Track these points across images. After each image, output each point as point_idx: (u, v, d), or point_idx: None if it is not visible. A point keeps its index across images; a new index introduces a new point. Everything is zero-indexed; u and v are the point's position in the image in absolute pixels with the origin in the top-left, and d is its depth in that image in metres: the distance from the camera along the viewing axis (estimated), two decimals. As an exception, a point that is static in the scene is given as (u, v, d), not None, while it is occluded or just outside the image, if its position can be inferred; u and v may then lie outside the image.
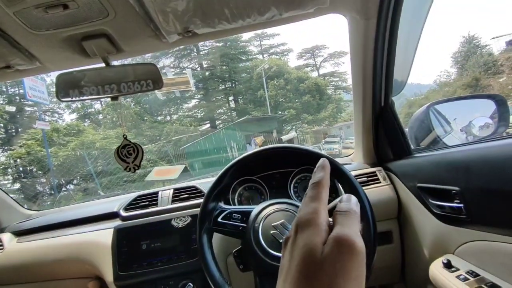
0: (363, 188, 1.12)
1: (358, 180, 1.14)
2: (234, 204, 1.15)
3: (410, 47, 0.98)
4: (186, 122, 19.72)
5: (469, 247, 0.77)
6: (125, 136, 0.92)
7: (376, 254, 1.03)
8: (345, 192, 0.87)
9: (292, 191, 1.15)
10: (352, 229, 0.28)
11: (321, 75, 23.74)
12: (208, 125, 22.30)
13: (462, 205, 0.74)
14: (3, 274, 1.20)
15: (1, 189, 1.37)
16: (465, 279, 0.71)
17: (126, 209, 1.22)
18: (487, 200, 0.67)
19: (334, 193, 1.11)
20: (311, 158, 0.91)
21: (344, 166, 0.88)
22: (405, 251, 1.08)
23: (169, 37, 0.82)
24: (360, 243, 0.27)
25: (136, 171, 0.90)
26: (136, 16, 0.73)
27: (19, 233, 1.29)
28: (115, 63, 0.90)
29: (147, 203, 1.22)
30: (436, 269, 0.81)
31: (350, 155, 1.41)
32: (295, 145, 0.97)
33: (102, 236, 1.14)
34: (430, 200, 0.88)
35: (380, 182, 1.12)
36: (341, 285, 0.25)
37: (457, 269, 0.76)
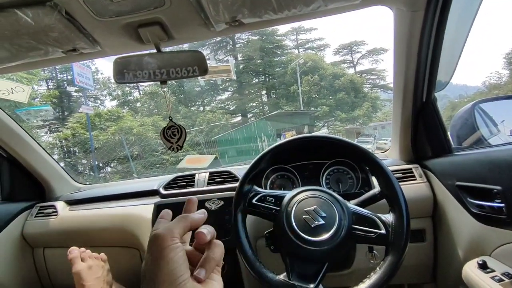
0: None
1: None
2: (267, 189, 1.19)
3: (458, 43, 0.94)
4: (219, 113, 20.08)
5: (508, 248, 0.75)
6: (170, 118, 0.99)
7: (409, 251, 1.03)
8: (380, 186, 0.87)
9: (324, 182, 1.17)
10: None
11: (358, 72, 22.97)
12: (240, 117, 22.53)
13: (503, 205, 0.72)
14: (57, 237, 1.35)
15: (57, 163, 1.52)
16: (500, 280, 0.69)
17: (166, 187, 1.31)
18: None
19: (366, 187, 1.11)
20: (346, 149, 0.92)
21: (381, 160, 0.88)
22: (438, 251, 1.06)
23: (217, 25, 0.87)
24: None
25: (178, 151, 0.97)
26: (189, 6, 0.78)
27: (71, 203, 1.44)
28: (165, 49, 0.97)
29: (185, 183, 1.31)
30: (470, 270, 0.79)
31: (385, 151, 1.39)
32: (332, 135, 0.98)
33: (144, 210, 1.24)
34: (469, 199, 0.86)
35: (415, 179, 1.10)
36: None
37: (493, 271, 0.74)
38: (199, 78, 1.12)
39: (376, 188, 0.88)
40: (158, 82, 0.95)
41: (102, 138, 12.50)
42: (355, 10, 0.83)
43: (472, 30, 0.93)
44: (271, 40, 22.12)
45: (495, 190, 0.74)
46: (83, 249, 1.04)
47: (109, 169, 12.96)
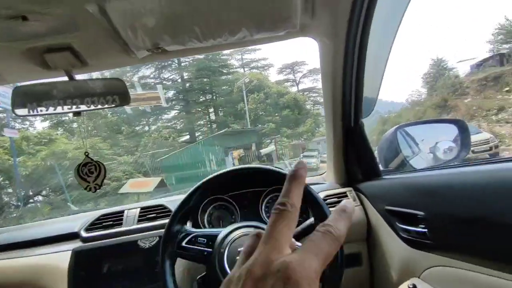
0: (333, 209, 1.12)
1: (328, 200, 1.14)
2: (204, 225, 1.11)
3: (379, 68, 1.00)
4: (165, 133, 19.36)
5: (434, 271, 0.78)
6: (86, 154, 0.87)
7: (345, 277, 1.02)
8: (313, 214, 0.86)
9: (263, 211, 1.13)
10: (305, 255, 0.26)
11: (300, 91, 24.27)
12: (188, 136, 22.02)
13: (426, 229, 0.75)
14: None
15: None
16: (429, 304, 0.71)
17: (88, 229, 1.15)
18: (450, 226, 0.69)
19: (305, 214, 1.10)
20: (279, 178, 0.90)
21: (313, 186, 0.88)
22: (374, 274, 1.08)
23: (138, 52, 0.80)
24: (300, 272, 0.25)
25: (97, 190, 0.85)
26: (103, 31, 0.71)
27: None
28: (80, 77, 0.86)
29: (111, 222, 1.16)
30: (402, 294, 0.81)
31: (322, 173, 1.42)
32: (263, 165, 0.96)
33: (59, 259, 1.07)
34: (397, 223, 0.88)
35: None
36: None
37: (422, 294, 0.76)
38: (124, 106, 1.03)
39: (312, 218, 0.87)
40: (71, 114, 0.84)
41: (31, 164, 11.10)
42: (281, 41, 0.84)
43: (392, 56, 1.00)
44: (217, 59, 22.34)
45: (419, 215, 0.77)
46: None
47: (40, 198, 11.50)
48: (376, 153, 1.14)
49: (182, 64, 22.21)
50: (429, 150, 1.32)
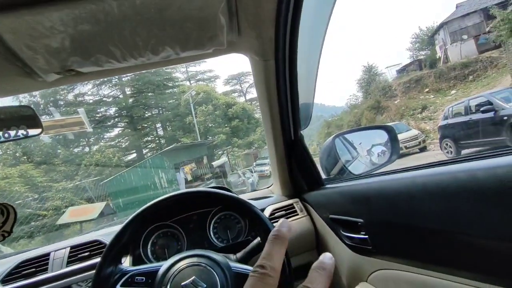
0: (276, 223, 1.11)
1: (276, 214, 1.13)
2: (148, 258, 1.01)
3: (311, 82, 1.03)
4: (109, 153, 18.05)
5: (379, 275, 0.80)
6: (-11, 197, 0.74)
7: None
8: (259, 235, 0.83)
9: (211, 233, 1.07)
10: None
11: (248, 100, 24.65)
12: (134, 154, 20.82)
13: (367, 236, 0.77)
14: None
15: None
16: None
17: (4, 281, 0.97)
18: (386, 232, 0.71)
19: (253, 231, 1.07)
20: (220, 199, 0.87)
21: (260, 200, 0.85)
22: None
23: (46, 76, 0.70)
24: None
25: (5, 238, 0.72)
26: None
27: None
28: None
29: (34, 269, 1.00)
30: (352, 300, 0.82)
31: (269, 186, 1.41)
32: (206, 189, 0.91)
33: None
34: (342, 231, 0.90)
35: (297, 214, 1.12)
36: None
37: (369, 298, 0.77)
38: (40, 136, 0.90)
39: (258, 238, 0.84)
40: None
41: None
42: (210, 58, 0.81)
43: (325, 67, 1.04)
44: (160, 73, 21.64)
45: (359, 223, 0.78)
46: None
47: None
48: (318, 163, 1.16)
49: (123, 79, 21.12)
50: (366, 153, 1.39)
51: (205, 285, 0.69)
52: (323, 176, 1.15)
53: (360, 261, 0.86)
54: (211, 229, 1.08)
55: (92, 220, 7.49)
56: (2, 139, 0.73)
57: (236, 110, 19.49)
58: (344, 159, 1.19)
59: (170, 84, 22.77)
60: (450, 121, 6.48)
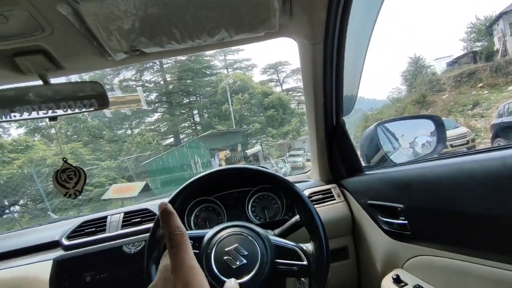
0: (319, 205, 1.14)
1: (313, 197, 1.16)
2: (191, 227, 1.10)
3: (357, 68, 1.03)
4: (149, 136, 19.02)
5: (416, 261, 0.80)
6: (65, 160, 0.85)
7: (334, 270, 1.04)
8: (299, 214, 0.87)
9: (249, 210, 1.13)
10: None
11: (285, 90, 24.44)
12: (172, 139, 21.72)
13: (406, 222, 0.77)
14: None
15: None
16: (412, 294, 0.74)
17: (69, 237, 1.11)
18: (427, 217, 0.71)
19: (291, 212, 1.11)
20: (265, 178, 0.91)
21: (298, 184, 0.88)
22: (360, 266, 1.11)
23: (115, 55, 0.79)
24: None
25: (77, 197, 0.83)
26: (77, 33, 0.69)
27: None
28: (54, 81, 0.83)
29: (94, 229, 1.13)
30: (386, 285, 0.83)
31: (307, 172, 1.44)
32: (252, 166, 0.95)
33: (40, 269, 1.03)
34: (380, 217, 0.91)
35: (334, 199, 1.14)
36: None
37: (405, 284, 0.78)
38: (104, 110, 1.00)
39: (297, 216, 0.88)
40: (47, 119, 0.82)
41: (6, 173, 10.63)
42: (261, 41, 0.84)
43: (370, 56, 1.03)
44: (200, 60, 22.16)
45: (399, 208, 0.79)
46: None
47: (17, 208, 11.05)
48: (358, 150, 1.16)
49: (164, 66, 21.91)
50: (409, 145, 1.36)
51: (247, 253, 0.75)
52: (363, 163, 1.15)
53: (397, 247, 0.87)
54: (249, 207, 1.14)
55: (132, 197, 8.00)
56: (76, 110, 0.83)
57: (272, 99, 19.46)
58: (386, 148, 1.18)
59: (208, 72, 23.24)
60: (505, 119, 5.93)
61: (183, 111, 22.81)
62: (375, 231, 0.95)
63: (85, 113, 0.87)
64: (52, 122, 0.84)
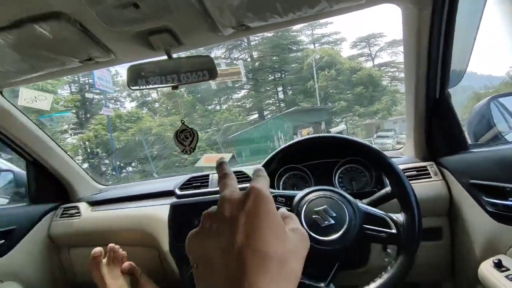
0: (412, 182, 1.09)
1: (406, 174, 1.11)
2: (279, 190, 1.20)
3: (470, 35, 0.91)
4: (235, 112, 20.14)
5: (524, 248, 0.73)
6: (183, 122, 1.02)
7: (425, 250, 1.01)
8: (391, 185, 0.87)
9: (337, 181, 1.17)
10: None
11: (376, 65, 22.33)
12: (256, 115, 22.53)
13: None
14: (80, 237, 1.42)
15: (78, 165, 1.60)
16: (516, 280, 0.68)
17: (181, 188, 1.35)
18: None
19: (379, 185, 1.10)
20: (357, 148, 0.92)
21: (391, 158, 0.87)
22: (455, 249, 1.04)
23: (224, 30, 0.89)
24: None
25: (191, 153, 1.00)
26: (195, 12, 0.81)
27: (93, 203, 1.51)
28: (175, 55, 1.00)
29: (199, 184, 1.34)
30: (485, 269, 0.78)
31: (400, 149, 1.37)
32: (344, 135, 0.98)
33: (160, 211, 1.29)
34: (484, 198, 0.83)
35: (430, 177, 1.08)
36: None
37: (508, 269, 0.72)
38: (210, 81, 1.15)
39: (388, 187, 0.88)
40: (169, 88, 0.99)
41: (123, 139, 12.85)
42: (361, 9, 0.82)
43: (484, 22, 0.90)
44: (286, 36, 21.90)
45: (508, 188, 0.71)
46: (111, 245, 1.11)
47: (130, 168, 13.33)
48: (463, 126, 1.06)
49: (252, 43, 22.41)
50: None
51: (335, 214, 0.80)
52: (468, 141, 1.04)
53: (502, 231, 0.79)
54: (336, 177, 1.17)
55: (219, 168, 8.73)
56: (190, 80, 0.97)
57: (361, 76, 18.10)
58: (500, 127, 1.04)
59: (295, 48, 22.82)
60: None
61: (268, 88, 23.23)
62: (476, 213, 0.88)
63: (197, 83, 1.01)
64: (156, 98, 1.01)
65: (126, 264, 1.12)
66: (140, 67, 0.97)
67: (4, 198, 1.63)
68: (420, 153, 1.17)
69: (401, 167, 1.13)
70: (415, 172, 1.09)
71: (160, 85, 0.96)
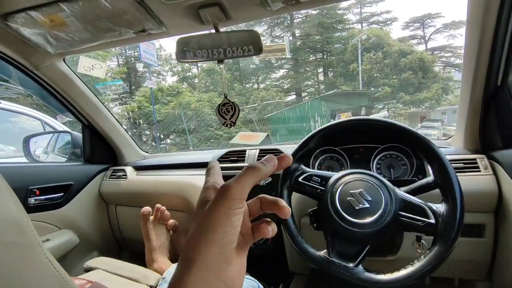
0: (458, 174, 1.04)
1: (453, 165, 1.05)
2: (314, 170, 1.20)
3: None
4: (273, 91, 20.00)
5: None
6: (225, 95, 1.04)
7: (465, 245, 0.96)
8: (434, 175, 0.83)
9: (374, 167, 1.14)
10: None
11: (429, 49, 20.61)
12: (294, 96, 22.21)
13: None
14: (126, 197, 1.55)
15: (127, 133, 1.72)
16: None
17: (219, 160, 1.40)
18: None
19: (420, 174, 1.06)
20: (400, 134, 0.89)
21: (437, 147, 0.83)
22: (498, 249, 0.98)
23: (273, 4, 0.88)
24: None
25: (232, 126, 1.03)
26: None
27: (137, 168, 1.63)
28: (223, 29, 1.01)
29: (236, 158, 1.38)
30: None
31: (447, 139, 1.29)
32: (385, 119, 0.94)
33: (198, 179, 1.36)
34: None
35: (479, 171, 1.01)
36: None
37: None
38: (254, 57, 1.15)
39: (430, 177, 0.84)
40: (216, 61, 1.01)
41: (164, 112, 13.43)
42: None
43: None
44: (332, 14, 20.84)
45: None
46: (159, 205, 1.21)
47: (168, 140, 13.99)
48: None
49: (295, 20, 21.70)
50: None
51: (371, 198, 0.79)
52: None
53: None
54: (374, 164, 1.14)
55: (255, 145, 8.86)
56: (236, 54, 0.99)
57: (411, 60, 16.85)
58: None
59: (340, 27, 21.74)
60: None
61: (308, 69, 22.61)
62: (529, 213, 0.82)
63: (244, 57, 1.02)
64: (196, 73, 1.03)
65: (172, 221, 1.22)
66: (189, 40, 1.00)
67: (63, 156, 1.81)
68: (471, 144, 1.10)
69: (447, 157, 1.08)
70: (462, 164, 1.03)
71: (207, 59, 0.99)
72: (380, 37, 18.82)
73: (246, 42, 0.96)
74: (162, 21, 0.98)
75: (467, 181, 0.98)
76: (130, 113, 14.28)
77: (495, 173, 0.98)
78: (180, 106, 13.48)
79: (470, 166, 1.03)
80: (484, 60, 0.89)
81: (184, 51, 0.99)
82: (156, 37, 1.10)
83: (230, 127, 1.04)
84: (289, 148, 1.35)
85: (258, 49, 0.96)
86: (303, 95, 22.29)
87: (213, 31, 0.99)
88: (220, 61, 1.00)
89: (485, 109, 0.99)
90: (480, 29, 0.84)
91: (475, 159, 1.03)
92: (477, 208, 0.99)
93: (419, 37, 21.87)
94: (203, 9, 0.92)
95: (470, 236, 1.00)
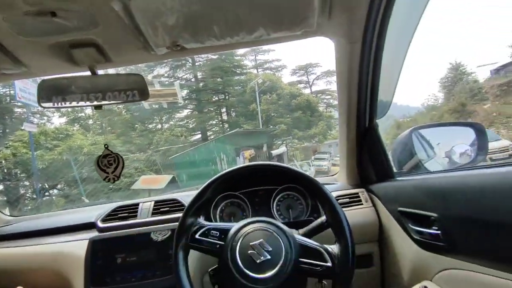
0: (345, 209, 1.12)
1: (340, 201, 1.14)
2: (216, 220, 1.13)
3: (395, 70, 1.00)
4: (177, 132, 19.57)
5: (447, 274, 0.77)
6: (106, 146, 0.90)
7: (357, 277, 1.01)
8: (325, 213, 0.87)
9: (274, 209, 1.14)
10: None
11: (313, 92, 24.09)
12: (199, 135, 22.20)
13: (440, 232, 0.74)
14: None
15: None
16: (440, 307, 0.71)
17: (104, 220, 1.18)
18: (464, 228, 0.68)
19: (315, 213, 1.11)
20: (293, 176, 0.91)
21: (325, 186, 0.88)
22: (385, 275, 1.08)
23: (157, 49, 0.83)
24: None
25: (115, 182, 0.88)
26: (125, 28, 0.74)
27: None
28: (101, 72, 0.90)
29: (127, 214, 1.19)
30: (413, 296, 0.81)
31: (334, 174, 1.42)
32: (278, 163, 0.96)
33: (77, 247, 1.11)
34: (410, 225, 0.88)
35: (362, 204, 1.12)
36: None
37: (433, 296, 0.75)
38: (142, 102, 1.06)
39: (323, 217, 0.88)
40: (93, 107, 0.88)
41: (48, 158, 11.43)
42: (297, 40, 0.85)
43: (409, 58, 1.00)
44: (230, 60, 22.43)
45: (432, 217, 0.76)
46: None
47: (55, 191, 11.86)
48: (389, 155, 1.13)
49: (196, 63, 22.41)
50: (445, 154, 1.30)
51: (271, 249, 0.76)
52: (394, 169, 1.12)
53: (426, 258, 0.84)
54: (274, 205, 1.15)
55: (160, 189, 8.27)
56: (117, 99, 0.88)
57: (300, 101, 19.31)
58: (420, 155, 1.14)
59: (238, 71, 23.45)
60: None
61: (212, 109, 23.21)
62: (403, 240, 0.92)
63: (126, 104, 0.92)
64: (90, 114, 0.90)
65: None
66: (57, 82, 0.85)
67: None
68: (352, 179, 1.23)
69: (334, 194, 1.17)
70: (347, 199, 1.13)
71: (80, 105, 0.85)
72: (273, 81, 21.08)
73: (129, 86, 0.87)
74: (21, 60, 0.81)
75: (353, 215, 1.07)
76: (3, 162, 11.59)
77: (374, 204, 1.10)
78: (70, 151, 11.74)
79: (354, 200, 1.13)
80: (353, 106, 1.03)
81: (49, 95, 0.83)
82: (14, 77, 0.91)
83: (114, 182, 0.90)
84: (189, 196, 1.25)
85: (143, 94, 0.88)
86: (208, 134, 22.50)
87: (89, 73, 0.87)
88: (98, 107, 0.87)
89: (359, 148, 1.13)
90: (347, 78, 0.97)
91: (357, 193, 1.15)
92: (363, 239, 1.07)
93: (305, 82, 25.45)
94: (76, 49, 0.80)
95: (362, 267, 1.07)
